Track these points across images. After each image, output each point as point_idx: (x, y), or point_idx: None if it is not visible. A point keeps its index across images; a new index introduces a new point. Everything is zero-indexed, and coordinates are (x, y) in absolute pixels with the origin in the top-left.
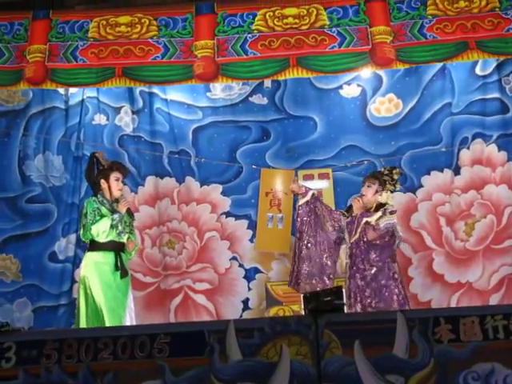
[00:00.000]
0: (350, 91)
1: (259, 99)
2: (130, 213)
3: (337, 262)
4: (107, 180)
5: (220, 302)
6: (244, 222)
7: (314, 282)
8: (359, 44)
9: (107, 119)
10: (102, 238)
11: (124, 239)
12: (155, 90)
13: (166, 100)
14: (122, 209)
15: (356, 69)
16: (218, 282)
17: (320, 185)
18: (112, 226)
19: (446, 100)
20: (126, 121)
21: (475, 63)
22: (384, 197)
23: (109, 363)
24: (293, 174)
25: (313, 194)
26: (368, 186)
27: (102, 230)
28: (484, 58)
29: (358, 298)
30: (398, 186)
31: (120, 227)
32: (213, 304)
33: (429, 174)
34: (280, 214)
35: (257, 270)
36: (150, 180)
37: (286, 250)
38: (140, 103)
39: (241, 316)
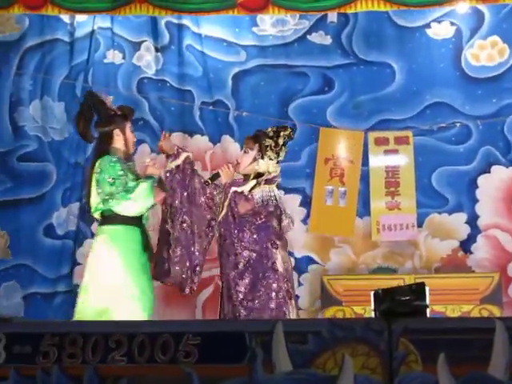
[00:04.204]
0: (441, 31)
1: (321, 38)
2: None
3: (207, 250)
4: (124, 131)
5: None
6: (296, 198)
7: (183, 274)
8: None
9: (123, 57)
10: (134, 214)
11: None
12: (186, 21)
13: (199, 35)
14: (156, 171)
15: (449, 2)
16: None
17: (394, 157)
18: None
19: None
20: (147, 60)
21: None
22: (262, 165)
23: (122, 367)
24: (361, 136)
25: (187, 157)
26: (245, 152)
27: (146, 206)
28: None
29: (229, 294)
30: (283, 154)
31: None
32: None
33: None
34: (343, 188)
35: (310, 260)
36: (176, 137)
37: (350, 235)
38: (166, 38)
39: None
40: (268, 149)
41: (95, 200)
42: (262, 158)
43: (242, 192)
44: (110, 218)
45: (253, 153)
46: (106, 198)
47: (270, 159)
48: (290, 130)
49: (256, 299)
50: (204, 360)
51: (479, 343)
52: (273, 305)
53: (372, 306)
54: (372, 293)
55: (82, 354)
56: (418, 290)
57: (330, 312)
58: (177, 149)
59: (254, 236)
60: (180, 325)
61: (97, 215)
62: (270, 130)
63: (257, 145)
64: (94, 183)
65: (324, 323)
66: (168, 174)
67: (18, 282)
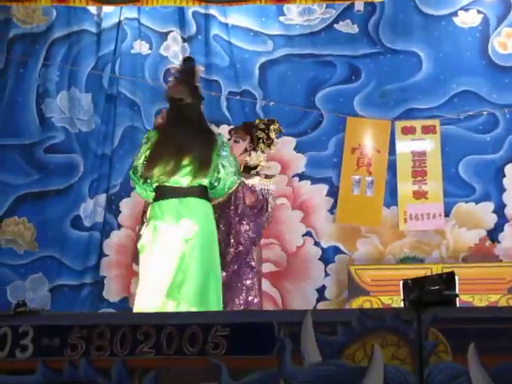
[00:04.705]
0: (468, 19)
1: (347, 27)
2: None
3: None
4: None
5: (288, 290)
6: (323, 187)
7: None
8: None
9: (150, 47)
10: None
11: None
12: (212, 11)
13: (226, 25)
14: None
15: None
16: (287, 264)
17: (421, 146)
18: None
19: None
20: (174, 50)
21: None
22: (253, 157)
23: (150, 359)
24: (388, 125)
25: None
26: (235, 141)
27: None
28: None
29: None
30: (274, 148)
31: None
32: (278, 291)
33: None
34: (370, 178)
35: (337, 250)
36: None
37: (377, 225)
38: (193, 28)
39: (314, 308)
40: (260, 141)
41: (228, 175)
42: (255, 150)
43: (248, 184)
44: (204, 192)
45: (244, 144)
46: (237, 173)
47: (262, 152)
48: (278, 123)
49: (228, 292)
50: (233, 351)
51: (510, 333)
52: (242, 300)
53: (401, 296)
54: (401, 282)
55: (109, 347)
56: (447, 279)
57: (357, 302)
58: None
59: (249, 232)
60: (208, 316)
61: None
62: (258, 121)
63: (248, 136)
64: (222, 156)
65: (353, 313)
66: None
67: (44, 274)
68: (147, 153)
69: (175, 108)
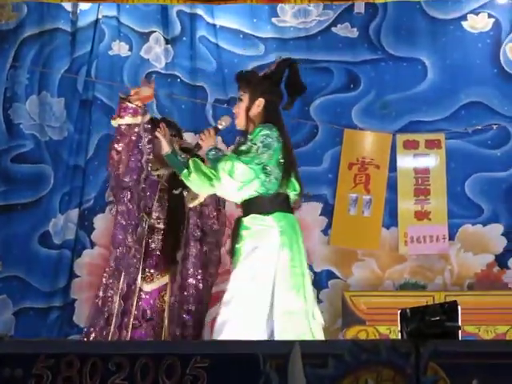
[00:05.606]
0: (478, 24)
1: (346, 30)
2: None
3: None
4: None
5: None
6: (316, 206)
7: None
8: None
9: (130, 49)
10: None
11: None
12: (199, 10)
13: (213, 26)
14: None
15: None
16: None
17: (424, 162)
18: None
19: None
20: (155, 52)
21: None
22: None
23: None
24: (389, 138)
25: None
26: None
27: None
28: None
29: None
30: None
31: None
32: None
33: None
34: (368, 196)
35: (331, 275)
36: (188, 138)
37: (375, 248)
38: (177, 28)
39: None
40: None
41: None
42: None
43: None
44: None
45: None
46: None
47: None
48: None
49: None
50: None
51: None
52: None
53: (398, 327)
54: (399, 312)
55: (78, 378)
56: (449, 309)
57: (352, 332)
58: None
59: None
60: (187, 346)
61: None
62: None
63: None
64: None
65: (346, 345)
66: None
67: (8, 296)
68: (279, 154)
69: (279, 114)
